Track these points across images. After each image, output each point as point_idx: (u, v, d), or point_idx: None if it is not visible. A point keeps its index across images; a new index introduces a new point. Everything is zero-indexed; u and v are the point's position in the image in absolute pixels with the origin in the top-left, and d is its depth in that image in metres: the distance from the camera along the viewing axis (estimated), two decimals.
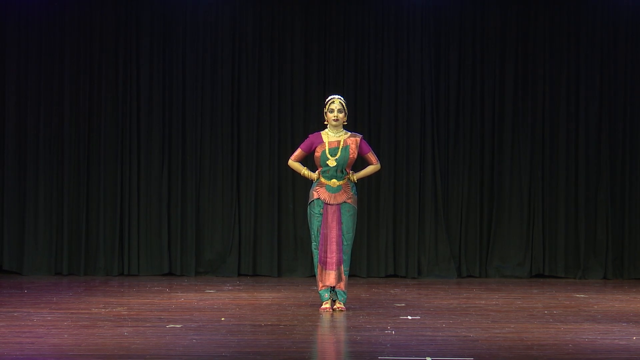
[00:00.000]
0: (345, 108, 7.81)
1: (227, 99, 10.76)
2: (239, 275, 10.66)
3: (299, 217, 10.63)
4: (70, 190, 10.66)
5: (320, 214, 7.73)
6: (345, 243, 7.71)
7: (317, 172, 7.84)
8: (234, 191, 10.74)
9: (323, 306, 7.74)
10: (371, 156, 7.91)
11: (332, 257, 7.66)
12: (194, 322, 7.16)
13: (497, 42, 10.76)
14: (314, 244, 7.76)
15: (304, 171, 7.89)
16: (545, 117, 10.77)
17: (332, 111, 7.77)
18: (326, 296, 7.74)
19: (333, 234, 7.68)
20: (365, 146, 7.86)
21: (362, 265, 10.63)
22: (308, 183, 10.57)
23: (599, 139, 10.75)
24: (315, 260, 7.77)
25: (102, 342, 6.23)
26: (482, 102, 10.78)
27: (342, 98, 7.87)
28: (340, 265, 7.70)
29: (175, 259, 10.68)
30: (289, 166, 8.04)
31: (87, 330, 6.69)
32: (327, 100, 7.88)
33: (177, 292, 9.11)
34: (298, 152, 7.91)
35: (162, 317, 7.40)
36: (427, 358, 5.78)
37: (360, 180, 8.13)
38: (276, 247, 10.68)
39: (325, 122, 7.86)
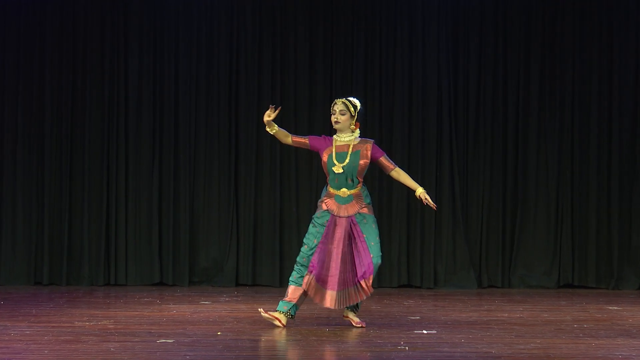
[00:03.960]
0: (350, 109, 7.59)
1: (224, 94, 10.76)
2: (237, 285, 10.67)
3: (302, 222, 10.62)
4: (52, 193, 10.67)
5: (324, 226, 7.62)
6: (374, 255, 7.48)
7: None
8: (232, 193, 10.74)
9: (274, 315, 7.58)
10: (385, 161, 7.72)
11: (335, 275, 7.52)
12: (188, 336, 7.16)
13: (521, 34, 10.76)
14: (302, 255, 7.57)
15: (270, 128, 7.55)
16: (575, 112, 10.76)
17: (333, 113, 7.63)
18: (285, 308, 7.57)
19: (339, 250, 7.53)
20: (378, 151, 7.70)
21: None
22: (312, 184, 10.59)
23: (634, 137, 10.73)
24: (297, 273, 7.60)
25: (86, 359, 6.23)
26: (505, 97, 10.77)
27: (348, 99, 7.66)
28: (347, 287, 7.56)
29: (167, 268, 10.69)
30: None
31: (70, 346, 6.69)
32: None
33: (168, 304, 9.12)
34: (302, 138, 7.70)
35: (152, 331, 7.41)
36: None
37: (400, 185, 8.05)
38: (278, 254, 10.69)
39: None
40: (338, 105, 7.63)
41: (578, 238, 10.72)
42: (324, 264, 7.53)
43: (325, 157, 7.63)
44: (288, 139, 7.69)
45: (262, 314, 7.60)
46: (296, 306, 7.61)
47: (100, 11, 10.72)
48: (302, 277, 7.56)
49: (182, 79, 10.75)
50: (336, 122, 7.63)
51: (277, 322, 7.55)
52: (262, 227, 10.75)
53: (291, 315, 7.60)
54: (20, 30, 10.70)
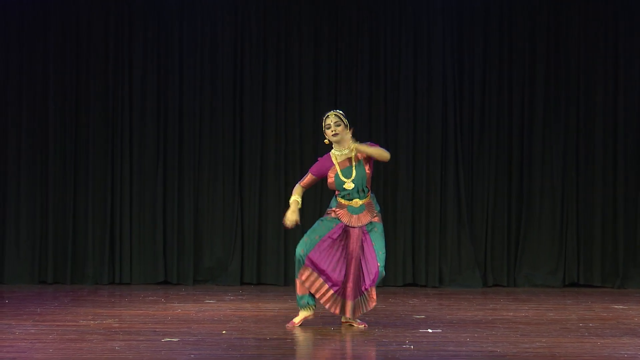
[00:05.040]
0: (344, 120, 7.52)
1: (229, 91, 10.78)
2: (242, 284, 10.69)
3: (307, 220, 10.62)
4: (56, 191, 10.69)
5: (331, 225, 7.60)
6: (381, 265, 7.47)
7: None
8: (236, 192, 10.76)
9: (301, 317, 7.58)
10: (375, 147, 7.57)
11: (351, 286, 7.50)
12: (192, 335, 7.17)
13: (526, 31, 10.76)
14: (300, 246, 7.53)
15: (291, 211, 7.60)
16: (580, 112, 10.76)
17: (328, 127, 7.54)
18: (303, 302, 7.56)
19: (355, 260, 7.56)
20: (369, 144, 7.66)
21: None
22: (317, 183, 10.58)
23: None
24: (298, 266, 7.56)
25: (91, 358, 6.24)
26: (510, 94, 10.78)
27: (338, 111, 7.58)
28: (359, 296, 7.55)
29: (172, 266, 10.71)
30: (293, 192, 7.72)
31: (75, 345, 6.71)
32: (323, 118, 7.65)
33: (173, 303, 9.13)
34: (308, 177, 7.66)
35: (157, 330, 7.42)
36: None
37: (361, 151, 7.54)
38: (282, 252, 10.70)
39: (327, 141, 7.66)
40: (331, 119, 7.54)
41: (583, 237, 10.73)
42: (343, 275, 7.51)
43: (331, 178, 7.57)
44: (301, 192, 7.69)
45: (296, 325, 7.57)
46: (311, 295, 7.59)
47: (104, 11, 10.73)
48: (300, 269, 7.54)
49: (187, 79, 10.76)
50: (335, 135, 7.54)
51: (307, 318, 7.59)
52: (267, 226, 10.77)
53: (313, 305, 7.58)
54: (23, 30, 10.71)
